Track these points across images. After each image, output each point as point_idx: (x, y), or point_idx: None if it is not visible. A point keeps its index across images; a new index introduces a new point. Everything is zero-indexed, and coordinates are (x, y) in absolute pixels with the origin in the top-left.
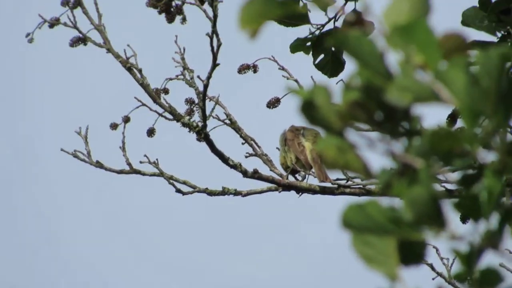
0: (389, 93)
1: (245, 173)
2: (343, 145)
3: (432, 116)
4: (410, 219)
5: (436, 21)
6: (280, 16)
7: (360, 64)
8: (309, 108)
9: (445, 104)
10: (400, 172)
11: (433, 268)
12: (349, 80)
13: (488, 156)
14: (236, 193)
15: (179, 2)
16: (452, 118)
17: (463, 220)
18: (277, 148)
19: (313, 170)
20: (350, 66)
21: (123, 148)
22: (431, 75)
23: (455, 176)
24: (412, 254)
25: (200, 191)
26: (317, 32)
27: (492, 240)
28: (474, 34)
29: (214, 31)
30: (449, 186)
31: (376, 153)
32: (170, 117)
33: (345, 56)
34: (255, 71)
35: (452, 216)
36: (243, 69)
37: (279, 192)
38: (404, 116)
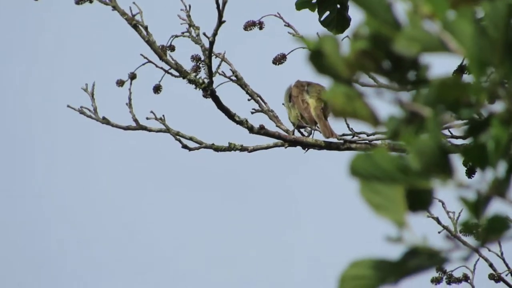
0: (397, 43)
1: (251, 129)
2: (351, 93)
3: (440, 66)
4: (418, 167)
5: None
6: None
7: (368, 14)
8: (317, 58)
9: (452, 54)
10: (408, 120)
11: (439, 222)
12: (356, 30)
13: (495, 107)
14: (242, 148)
15: None
16: (460, 71)
17: (469, 174)
18: (282, 104)
19: (318, 126)
20: (356, 22)
21: (129, 105)
22: (439, 25)
23: (462, 127)
24: (419, 201)
25: (206, 146)
26: None
27: (499, 189)
28: None
29: None
30: (456, 141)
31: (383, 101)
32: (176, 74)
33: (352, 7)
34: (261, 28)
35: (459, 167)
36: (249, 26)
37: (285, 147)
38: (412, 65)
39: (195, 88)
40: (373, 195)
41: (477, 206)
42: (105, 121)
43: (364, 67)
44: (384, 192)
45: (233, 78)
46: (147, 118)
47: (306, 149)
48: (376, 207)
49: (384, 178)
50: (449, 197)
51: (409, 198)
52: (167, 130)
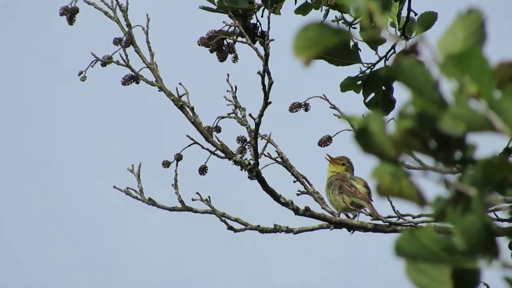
0: (443, 121)
1: (296, 211)
2: (397, 173)
3: (487, 146)
4: (463, 247)
5: (491, 50)
6: (334, 44)
7: (413, 92)
8: (363, 136)
9: (499, 134)
10: (454, 200)
11: None
12: (402, 108)
13: None
14: (288, 230)
15: (231, 41)
16: (507, 152)
17: None
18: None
19: (365, 208)
20: (401, 104)
21: (175, 186)
22: (485, 105)
23: (508, 209)
24: (466, 282)
25: (252, 228)
26: (367, 71)
27: None
28: None
29: (266, 69)
30: (502, 224)
31: (429, 182)
32: (222, 155)
33: (397, 88)
34: (306, 110)
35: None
36: (294, 107)
37: (331, 229)
38: (458, 145)
39: (241, 169)
40: (419, 275)
41: None
42: (151, 202)
43: (410, 146)
44: (430, 272)
45: (279, 159)
46: (193, 199)
47: (352, 231)
48: (422, 287)
49: (429, 258)
50: (495, 280)
51: (456, 279)
52: (213, 211)
